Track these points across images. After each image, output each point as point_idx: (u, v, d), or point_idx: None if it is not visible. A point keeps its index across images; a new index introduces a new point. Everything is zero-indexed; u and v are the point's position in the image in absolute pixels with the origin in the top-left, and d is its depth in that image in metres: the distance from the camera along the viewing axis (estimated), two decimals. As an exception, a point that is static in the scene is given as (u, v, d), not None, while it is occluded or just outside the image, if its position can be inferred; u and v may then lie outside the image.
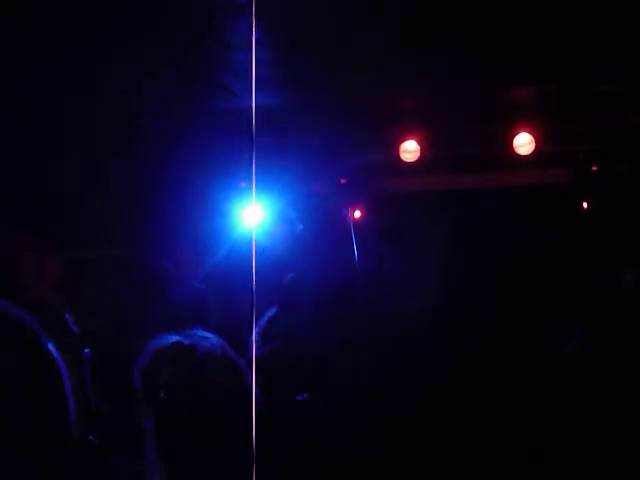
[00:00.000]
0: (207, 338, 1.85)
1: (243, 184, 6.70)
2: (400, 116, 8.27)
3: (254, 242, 2.38)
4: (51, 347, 1.66)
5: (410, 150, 8.51)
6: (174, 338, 1.80)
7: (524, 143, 8.36)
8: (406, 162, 8.53)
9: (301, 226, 6.76)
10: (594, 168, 8.83)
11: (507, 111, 8.09)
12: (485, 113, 7.93)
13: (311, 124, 7.52)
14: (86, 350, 2.89)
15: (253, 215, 5.28)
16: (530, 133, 8.34)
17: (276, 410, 2.90)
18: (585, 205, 8.95)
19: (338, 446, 2.91)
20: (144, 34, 5.24)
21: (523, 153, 8.39)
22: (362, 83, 6.84)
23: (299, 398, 3.38)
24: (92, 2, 4.94)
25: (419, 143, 8.48)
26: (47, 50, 5.40)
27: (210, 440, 1.68)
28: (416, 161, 8.52)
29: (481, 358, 1.69)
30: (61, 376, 1.62)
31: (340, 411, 3.01)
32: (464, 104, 7.72)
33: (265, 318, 4.00)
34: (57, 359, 1.65)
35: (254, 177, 2.17)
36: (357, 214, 8.41)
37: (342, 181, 8.59)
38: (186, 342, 1.79)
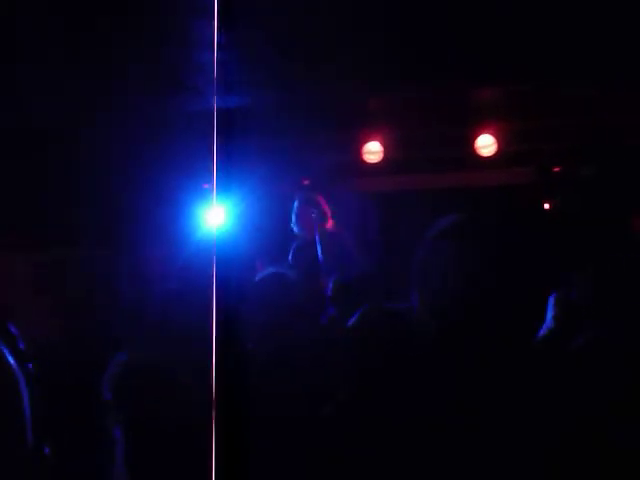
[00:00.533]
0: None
1: (206, 185, 6.68)
2: (364, 117, 8.29)
3: (216, 243, 2.38)
4: (10, 357, 1.66)
5: (373, 151, 8.54)
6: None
7: (486, 144, 8.42)
8: (369, 163, 8.55)
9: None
10: (556, 169, 8.90)
11: (470, 112, 8.15)
12: (448, 115, 7.98)
13: (275, 125, 7.51)
14: (29, 364, 2.84)
15: (215, 216, 5.26)
16: (492, 134, 8.39)
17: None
18: (547, 206, 9.02)
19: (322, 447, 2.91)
20: (112, 34, 5.22)
21: (486, 154, 8.45)
22: (325, 85, 6.85)
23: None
24: (57, 2, 4.91)
25: (382, 144, 8.51)
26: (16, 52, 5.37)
27: (179, 443, 1.68)
28: (379, 162, 8.55)
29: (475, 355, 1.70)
30: (19, 387, 1.61)
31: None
32: (427, 106, 7.77)
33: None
34: (15, 370, 1.65)
35: (216, 178, 2.17)
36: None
37: (305, 182, 8.59)
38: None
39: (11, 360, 1.66)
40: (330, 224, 6.86)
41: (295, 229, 7.00)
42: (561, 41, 5.95)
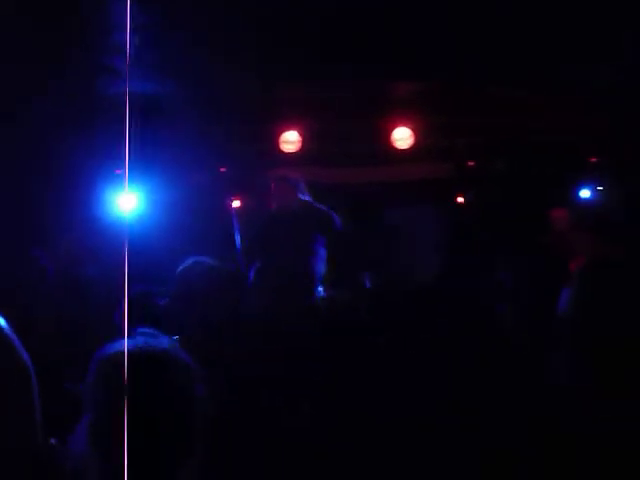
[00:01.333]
0: (157, 337, 1.83)
1: (118, 171, 6.62)
2: (282, 107, 8.29)
3: (128, 229, 2.36)
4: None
5: (291, 141, 8.54)
6: (127, 342, 1.76)
7: (403, 137, 8.49)
8: (287, 153, 8.55)
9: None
10: (471, 163, 9.04)
11: (387, 105, 8.21)
12: (366, 107, 8.03)
13: (193, 112, 7.47)
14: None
15: (128, 202, 5.21)
16: (409, 127, 8.47)
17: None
18: (461, 199, 9.16)
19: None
20: (28, 17, 5.13)
21: (402, 147, 8.51)
22: (245, 74, 6.83)
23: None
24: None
25: (300, 134, 8.52)
26: None
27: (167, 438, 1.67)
28: (297, 152, 8.55)
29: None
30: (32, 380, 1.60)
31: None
32: (346, 98, 7.80)
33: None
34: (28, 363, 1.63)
35: (129, 164, 2.15)
36: (236, 203, 8.39)
37: (222, 170, 8.56)
38: (139, 345, 1.76)
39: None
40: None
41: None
42: (478, 39, 6.03)
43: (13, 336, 1.73)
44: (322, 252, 6.37)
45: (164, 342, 1.79)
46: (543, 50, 6.19)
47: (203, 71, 6.68)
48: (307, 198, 6.60)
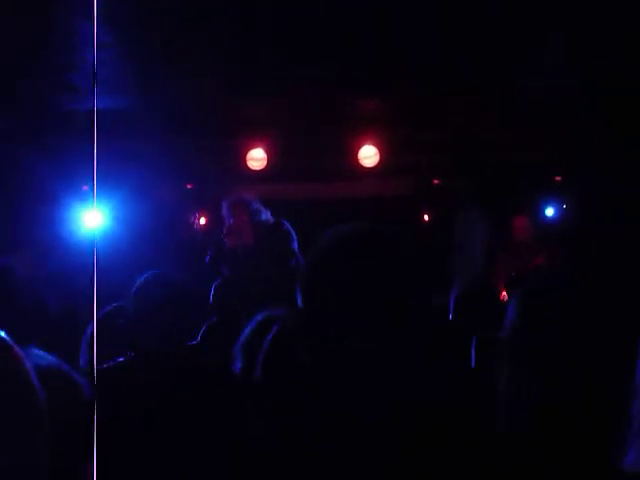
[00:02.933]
0: (43, 358, 1.80)
1: (85, 187, 6.58)
2: (248, 125, 8.30)
3: (95, 245, 2.35)
4: None
5: (257, 158, 8.55)
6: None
7: (369, 155, 8.52)
8: (253, 170, 8.56)
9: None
10: (435, 181, 9.10)
11: (353, 123, 8.23)
12: (332, 125, 8.05)
13: (159, 129, 7.45)
14: None
15: (94, 218, 5.20)
16: (375, 146, 8.51)
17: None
18: (426, 216, 9.21)
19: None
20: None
21: (368, 165, 8.55)
22: (212, 91, 6.84)
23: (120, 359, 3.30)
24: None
25: (266, 151, 8.53)
26: None
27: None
28: (263, 169, 8.56)
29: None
30: None
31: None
32: (311, 115, 7.82)
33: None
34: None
35: (96, 180, 2.14)
36: (202, 220, 8.39)
37: (188, 187, 8.55)
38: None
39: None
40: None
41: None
42: (443, 57, 6.08)
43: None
44: (281, 270, 6.36)
45: (50, 360, 1.78)
46: (505, 66, 6.25)
47: (169, 87, 6.67)
48: (265, 217, 6.56)
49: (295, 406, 1.84)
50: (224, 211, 6.57)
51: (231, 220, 6.50)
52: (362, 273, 1.80)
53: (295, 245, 6.42)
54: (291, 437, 1.80)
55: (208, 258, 6.69)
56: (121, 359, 3.33)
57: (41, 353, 1.78)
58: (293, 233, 6.43)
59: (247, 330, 2.97)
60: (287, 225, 6.51)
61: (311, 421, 1.79)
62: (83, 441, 1.69)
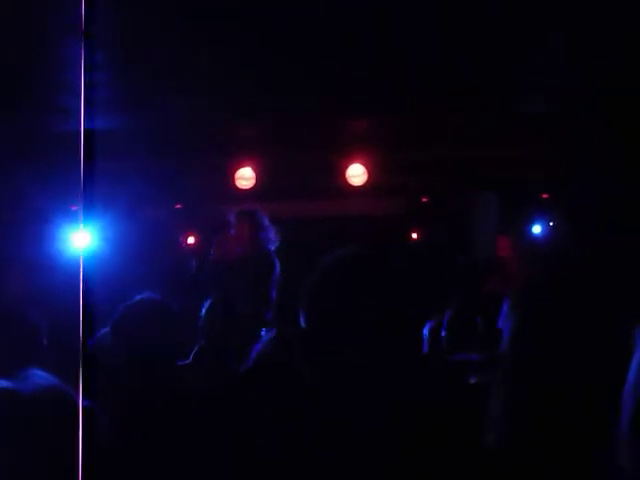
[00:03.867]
0: (44, 379, 1.80)
1: (74, 207, 6.56)
2: (237, 144, 8.31)
3: (82, 266, 2.34)
4: None
5: (246, 177, 8.57)
6: (3, 383, 1.73)
7: (357, 174, 8.55)
8: (242, 189, 8.58)
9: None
10: (424, 199, 9.11)
11: (342, 142, 8.26)
12: (320, 144, 8.07)
13: (148, 149, 7.46)
14: None
15: (82, 239, 5.18)
16: (363, 164, 8.53)
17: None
18: (415, 235, 9.22)
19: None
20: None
21: (356, 184, 8.57)
22: (199, 110, 6.84)
23: None
24: None
25: (255, 170, 8.55)
26: None
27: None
28: (252, 188, 8.58)
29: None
30: None
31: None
32: (300, 134, 7.84)
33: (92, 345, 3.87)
34: None
35: (85, 201, 2.14)
36: (191, 240, 8.38)
37: (177, 206, 8.55)
38: (22, 387, 1.73)
39: None
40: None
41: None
42: (430, 77, 6.11)
43: None
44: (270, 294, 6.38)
45: (46, 381, 1.78)
46: (491, 85, 6.29)
47: (158, 108, 6.67)
48: (270, 232, 6.58)
49: (294, 415, 1.85)
50: (230, 219, 6.58)
51: (233, 230, 6.52)
52: (359, 294, 1.84)
53: (275, 277, 6.44)
54: (289, 443, 1.82)
55: (193, 275, 6.68)
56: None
57: (42, 373, 1.79)
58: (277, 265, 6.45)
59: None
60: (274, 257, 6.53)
61: (309, 429, 1.81)
62: (77, 458, 1.69)
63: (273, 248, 6.58)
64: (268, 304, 6.33)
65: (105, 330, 3.83)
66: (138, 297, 3.58)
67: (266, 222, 6.60)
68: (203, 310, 6.22)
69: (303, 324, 1.90)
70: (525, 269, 6.92)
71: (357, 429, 1.79)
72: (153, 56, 5.52)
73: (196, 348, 4.87)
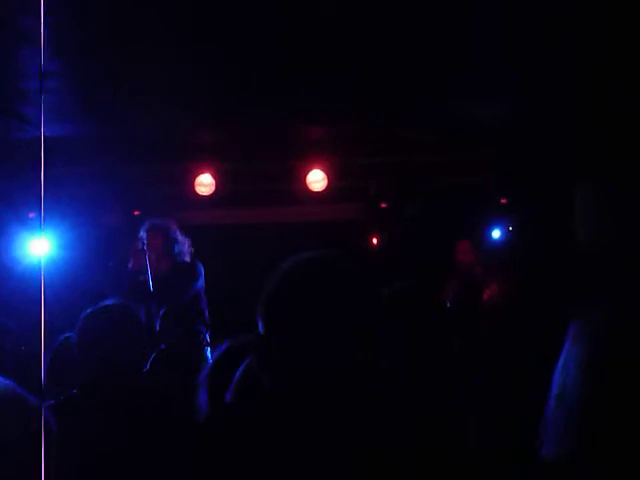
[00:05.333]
0: None
1: (32, 214, 6.53)
2: (196, 150, 8.31)
3: (42, 272, 2.34)
4: None
5: (205, 184, 8.56)
6: None
7: (317, 179, 8.57)
8: (201, 195, 8.57)
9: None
10: (383, 205, 9.16)
11: (301, 148, 8.28)
12: (280, 149, 8.09)
13: (106, 156, 7.43)
14: None
15: (41, 246, 5.17)
16: (322, 170, 8.56)
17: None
18: (375, 240, 9.26)
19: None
20: None
21: (316, 189, 8.60)
22: (158, 116, 6.83)
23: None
24: None
25: (214, 177, 8.55)
26: None
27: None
28: (212, 194, 8.57)
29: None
30: None
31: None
32: (260, 140, 7.85)
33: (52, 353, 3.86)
34: None
35: (43, 208, 2.14)
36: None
37: (136, 213, 8.51)
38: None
39: None
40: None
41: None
42: (389, 86, 6.15)
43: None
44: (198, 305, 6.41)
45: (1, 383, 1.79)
46: (448, 90, 6.35)
47: (116, 115, 6.66)
48: (179, 248, 6.56)
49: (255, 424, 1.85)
50: (141, 234, 6.53)
51: (145, 245, 6.46)
52: (320, 299, 1.83)
53: (199, 285, 6.44)
54: (250, 451, 1.81)
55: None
56: (72, 392, 3.31)
57: None
58: (200, 272, 6.45)
59: (213, 359, 2.97)
60: (197, 264, 6.53)
61: (284, 451, 1.80)
62: (35, 464, 1.69)
63: (188, 260, 6.56)
64: (199, 314, 6.37)
65: (65, 336, 3.82)
66: (106, 302, 3.57)
67: (178, 235, 6.57)
68: (160, 315, 6.25)
69: (261, 330, 1.88)
70: (487, 274, 6.98)
71: (318, 439, 1.78)
72: (113, 64, 5.50)
73: (153, 354, 4.88)
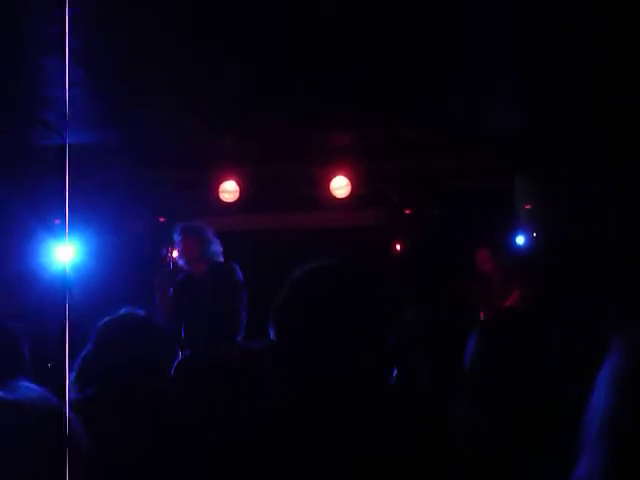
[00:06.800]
0: (32, 390, 1.81)
1: (57, 221, 6.57)
2: (220, 157, 8.34)
3: (67, 279, 2.36)
4: None
5: (229, 190, 8.59)
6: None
7: (341, 186, 8.58)
8: (225, 202, 8.59)
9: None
10: (407, 211, 9.15)
11: (325, 155, 8.29)
12: (303, 156, 8.10)
13: (131, 163, 7.47)
14: None
15: (66, 252, 5.20)
16: (346, 176, 8.57)
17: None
18: (398, 246, 9.25)
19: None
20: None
21: (340, 196, 8.61)
22: (182, 123, 6.86)
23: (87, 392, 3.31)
24: None
25: (238, 183, 8.57)
26: None
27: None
28: (235, 201, 8.60)
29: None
30: None
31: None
32: (283, 146, 7.87)
33: (79, 359, 3.88)
34: None
35: (68, 214, 2.16)
36: (175, 254, 8.37)
37: (161, 220, 8.55)
38: (9, 397, 1.73)
39: None
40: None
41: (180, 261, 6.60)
42: (410, 91, 6.15)
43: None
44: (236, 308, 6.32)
45: (37, 393, 1.79)
46: (470, 97, 6.34)
47: (140, 121, 6.69)
48: (214, 248, 6.53)
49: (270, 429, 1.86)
50: (175, 236, 6.54)
51: (180, 246, 6.49)
52: (333, 306, 1.84)
53: (240, 286, 6.32)
54: (265, 456, 1.82)
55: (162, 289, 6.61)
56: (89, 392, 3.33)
57: (31, 385, 1.80)
58: (239, 274, 6.34)
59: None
60: (234, 265, 6.45)
61: (282, 443, 1.81)
62: (75, 471, 1.71)
63: (221, 261, 6.52)
64: (237, 319, 6.28)
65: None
66: (121, 311, 3.59)
67: (212, 236, 6.56)
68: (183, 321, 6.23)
69: (273, 337, 1.90)
70: (508, 281, 6.94)
71: (328, 445, 1.79)
72: (136, 72, 5.53)
73: (177, 361, 4.88)
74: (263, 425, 1.87)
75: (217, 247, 6.55)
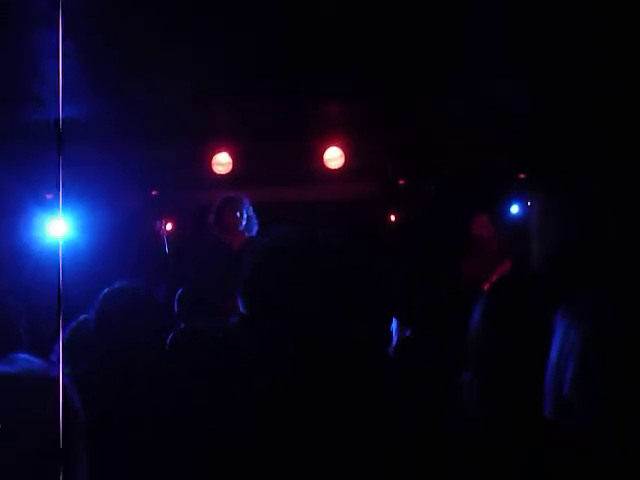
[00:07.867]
0: (31, 362, 1.80)
1: (50, 196, 6.55)
2: (213, 130, 8.30)
3: (61, 254, 2.34)
4: None
5: (222, 163, 8.56)
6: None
7: (334, 157, 8.56)
8: (218, 175, 8.57)
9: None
10: (401, 182, 9.12)
11: (318, 126, 8.26)
12: (296, 128, 8.07)
13: (123, 136, 7.44)
14: None
15: (59, 227, 5.19)
16: (340, 147, 8.54)
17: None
18: (393, 218, 9.23)
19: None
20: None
21: (333, 167, 8.58)
22: (174, 97, 6.83)
23: None
24: None
25: (231, 156, 8.54)
26: None
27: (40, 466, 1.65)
28: (229, 174, 8.57)
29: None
30: None
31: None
32: (276, 118, 7.83)
33: (69, 330, 3.87)
34: None
35: (61, 189, 2.14)
36: (169, 226, 8.35)
37: (153, 193, 8.52)
38: (10, 370, 1.73)
39: None
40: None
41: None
42: (404, 62, 6.12)
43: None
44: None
45: (38, 365, 1.78)
46: (467, 67, 6.31)
47: (133, 95, 6.65)
48: (254, 222, 6.53)
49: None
50: (216, 207, 6.53)
51: (221, 218, 6.49)
52: (299, 279, 1.75)
53: None
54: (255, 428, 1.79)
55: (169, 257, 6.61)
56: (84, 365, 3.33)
57: (30, 357, 1.79)
58: None
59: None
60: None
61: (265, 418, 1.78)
62: (73, 443, 1.70)
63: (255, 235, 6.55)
64: None
65: (83, 317, 3.83)
66: (117, 284, 3.58)
67: (251, 211, 6.56)
68: (176, 297, 6.21)
69: (242, 310, 1.82)
70: (504, 248, 6.93)
71: (303, 418, 1.75)
72: (128, 45, 5.50)
73: (171, 334, 4.87)
74: (259, 404, 1.83)
75: (254, 223, 6.55)
